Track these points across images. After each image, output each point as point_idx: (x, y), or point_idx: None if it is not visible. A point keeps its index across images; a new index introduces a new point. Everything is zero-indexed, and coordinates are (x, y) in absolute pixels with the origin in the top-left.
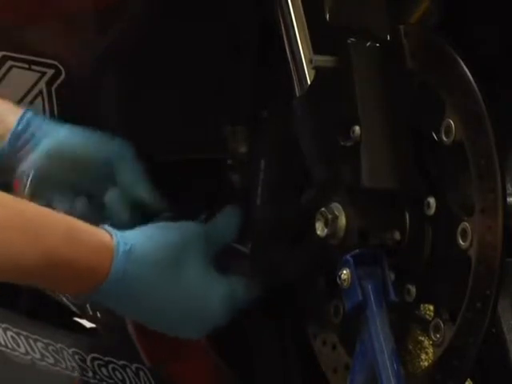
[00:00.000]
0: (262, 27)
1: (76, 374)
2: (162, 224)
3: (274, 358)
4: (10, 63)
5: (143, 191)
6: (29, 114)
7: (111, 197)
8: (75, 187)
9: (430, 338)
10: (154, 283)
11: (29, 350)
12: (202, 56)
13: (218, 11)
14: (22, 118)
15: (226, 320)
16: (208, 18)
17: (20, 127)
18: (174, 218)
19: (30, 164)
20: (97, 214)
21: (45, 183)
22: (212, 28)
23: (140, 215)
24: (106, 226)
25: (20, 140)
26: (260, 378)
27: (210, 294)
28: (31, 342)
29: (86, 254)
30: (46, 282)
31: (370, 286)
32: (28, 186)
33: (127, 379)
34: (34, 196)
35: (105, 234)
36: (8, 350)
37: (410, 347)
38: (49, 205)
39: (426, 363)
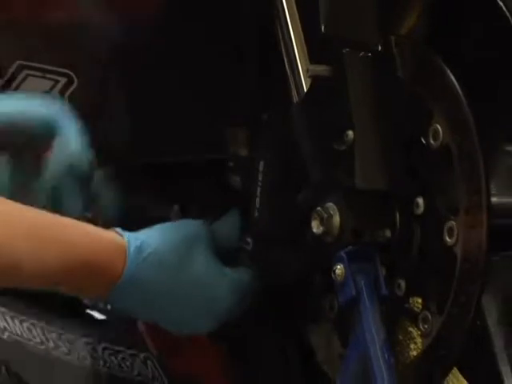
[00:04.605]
0: (264, 29)
1: (87, 362)
2: (166, 224)
3: (274, 358)
4: (25, 72)
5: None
6: None
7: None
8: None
9: (418, 329)
10: (165, 273)
11: (43, 340)
12: (204, 58)
13: (220, 13)
14: None
15: (235, 310)
16: (210, 20)
17: None
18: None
19: None
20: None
21: None
22: (214, 30)
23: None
24: (115, 228)
25: None
26: (260, 379)
27: (219, 283)
28: (46, 332)
29: (101, 252)
30: (65, 287)
31: (362, 281)
32: None
33: (136, 368)
34: None
35: (115, 234)
36: (25, 341)
37: (400, 338)
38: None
39: (414, 352)
